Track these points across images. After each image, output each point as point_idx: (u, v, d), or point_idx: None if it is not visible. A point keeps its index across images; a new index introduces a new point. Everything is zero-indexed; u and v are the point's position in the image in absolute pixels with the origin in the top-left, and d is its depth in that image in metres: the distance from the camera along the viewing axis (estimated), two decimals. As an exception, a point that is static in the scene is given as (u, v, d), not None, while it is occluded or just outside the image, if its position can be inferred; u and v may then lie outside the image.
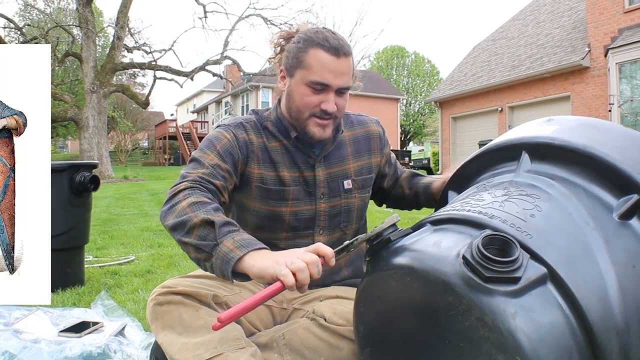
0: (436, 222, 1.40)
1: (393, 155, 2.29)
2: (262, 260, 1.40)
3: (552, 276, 1.14)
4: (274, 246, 1.94)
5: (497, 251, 1.13)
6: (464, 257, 1.14)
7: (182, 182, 1.71)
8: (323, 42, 1.81)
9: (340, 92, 1.85)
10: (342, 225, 2.03)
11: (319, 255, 1.40)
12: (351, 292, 1.89)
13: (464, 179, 1.71)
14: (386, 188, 2.26)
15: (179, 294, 1.74)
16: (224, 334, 1.65)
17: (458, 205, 1.43)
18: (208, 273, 1.93)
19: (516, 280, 1.10)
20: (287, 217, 1.95)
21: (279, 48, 2.02)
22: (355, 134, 2.11)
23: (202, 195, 1.64)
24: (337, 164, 2.02)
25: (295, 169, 1.96)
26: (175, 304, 1.72)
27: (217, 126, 1.97)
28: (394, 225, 1.43)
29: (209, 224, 1.51)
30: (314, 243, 1.74)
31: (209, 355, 1.60)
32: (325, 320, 1.77)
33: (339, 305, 1.83)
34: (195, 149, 2.01)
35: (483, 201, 1.37)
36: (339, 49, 1.80)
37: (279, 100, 2.01)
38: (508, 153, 1.55)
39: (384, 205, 2.37)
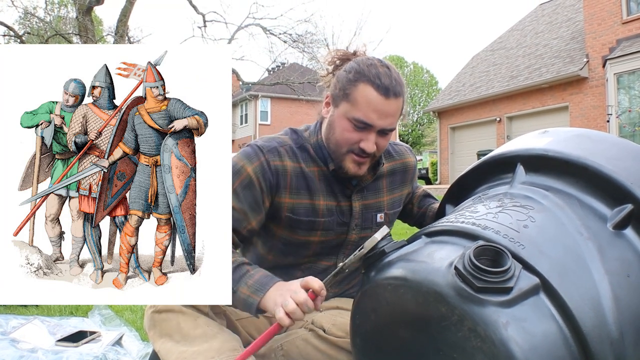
0: (430, 234, 1.40)
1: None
2: (269, 300, 1.57)
3: (545, 286, 1.15)
4: (295, 268, 1.95)
5: (489, 262, 1.14)
6: (456, 268, 1.14)
7: None
8: (374, 79, 1.71)
9: (384, 132, 1.77)
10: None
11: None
12: (351, 302, 1.89)
13: (460, 191, 1.72)
14: (415, 213, 2.25)
15: None
16: (222, 343, 1.65)
17: (452, 217, 1.44)
18: None
19: (508, 290, 1.10)
20: (314, 245, 1.92)
21: (332, 67, 1.90)
22: (393, 166, 2.04)
23: None
24: (372, 197, 1.97)
25: (332, 198, 1.90)
26: (174, 313, 1.71)
27: (248, 145, 1.88)
28: (388, 237, 1.44)
29: None
30: (335, 267, 1.74)
31: None
32: (324, 331, 1.77)
33: (339, 316, 1.83)
34: None
35: (477, 213, 1.38)
36: (389, 90, 1.70)
37: (320, 124, 1.93)
38: (503, 165, 1.56)
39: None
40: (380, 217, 1.98)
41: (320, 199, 1.88)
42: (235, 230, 1.76)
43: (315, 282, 1.52)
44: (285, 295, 1.53)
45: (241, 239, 1.82)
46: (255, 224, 1.83)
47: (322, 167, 1.89)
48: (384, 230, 1.45)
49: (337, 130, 1.79)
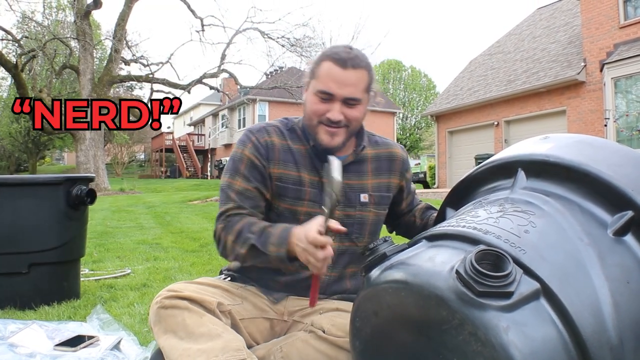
0: (432, 238, 1.40)
1: (413, 186, 2.34)
2: (295, 251, 1.72)
3: (545, 291, 1.15)
4: None
5: (490, 266, 1.14)
6: (457, 272, 1.14)
7: (218, 225, 1.96)
8: (333, 55, 1.89)
9: (348, 103, 1.91)
10: (353, 237, 2.04)
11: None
12: (351, 305, 1.90)
13: (461, 195, 1.72)
14: (399, 215, 2.28)
15: (184, 299, 1.76)
16: (227, 343, 1.66)
17: (454, 221, 1.44)
18: (213, 281, 1.99)
19: (509, 295, 1.10)
20: (301, 217, 1.97)
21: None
22: (378, 153, 2.15)
23: (233, 225, 1.91)
24: (356, 178, 2.07)
25: (315, 173, 2.01)
26: (180, 309, 1.74)
27: (243, 134, 2.09)
28: (389, 240, 1.44)
29: (252, 248, 1.83)
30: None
31: None
32: (323, 332, 1.79)
33: (338, 317, 1.85)
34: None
35: (478, 217, 1.38)
36: (346, 61, 1.87)
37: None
38: (504, 170, 1.56)
39: (394, 232, 2.38)
40: (364, 197, 2.06)
41: (306, 173, 2.02)
42: (257, 207, 1.97)
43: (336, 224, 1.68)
44: (309, 248, 1.65)
45: (262, 212, 2.01)
46: (269, 195, 2.01)
47: (306, 146, 2.03)
48: (338, 165, 1.64)
49: (307, 106, 1.98)
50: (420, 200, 2.35)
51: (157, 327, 1.77)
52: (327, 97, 1.90)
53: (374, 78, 1.99)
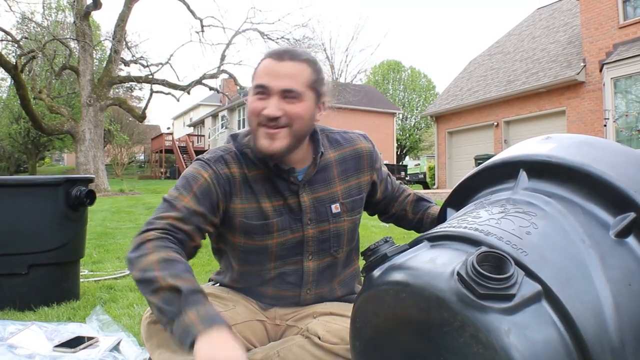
0: (433, 239, 1.40)
1: (385, 169, 2.22)
2: (211, 347, 1.38)
3: (547, 293, 1.14)
4: (263, 278, 1.96)
5: (492, 268, 1.13)
6: (458, 274, 1.14)
7: (150, 230, 1.69)
8: (270, 52, 1.85)
9: (286, 96, 1.76)
10: (332, 250, 1.98)
11: None
12: (345, 308, 1.90)
13: (462, 196, 1.71)
14: (377, 203, 2.22)
15: None
16: None
17: (455, 222, 1.44)
18: (204, 285, 1.95)
19: (510, 297, 1.10)
20: (274, 248, 1.91)
21: None
22: (342, 154, 2.03)
23: (170, 249, 1.62)
24: (323, 188, 1.96)
25: (278, 198, 1.90)
26: None
27: (197, 159, 1.92)
28: (389, 241, 1.44)
29: (176, 291, 1.49)
30: (302, 269, 1.92)
31: None
32: (319, 338, 1.77)
33: (333, 323, 1.83)
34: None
35: (480, 218, 1.37)
36: (282, 54, 1.80)
37: None
38: (506, 171, 1.55)
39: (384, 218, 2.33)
40: (335, 207, 1.96)
41: (266, 201, 1.89)
42: (198, 231, 1.77)
43: None
44: (223, 354, 1.38)
45: (202, 238, 1.82)
46: (211, 228, 1.84)
47: (262, 170, 1.89)
48: None
49: (247, 108, 1.84)
50: (403, 186, 2.28)
51: (150, 343, 1.76)
52: (262, 91, 1.77)
53: (321, 75, 1.85)
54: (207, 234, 1.90)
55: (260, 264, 1.94)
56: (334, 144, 2.04)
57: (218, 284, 2.07)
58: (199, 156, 1.92)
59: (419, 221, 2.19)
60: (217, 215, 1.84)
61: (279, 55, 1.79)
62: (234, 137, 1.98)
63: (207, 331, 1.40)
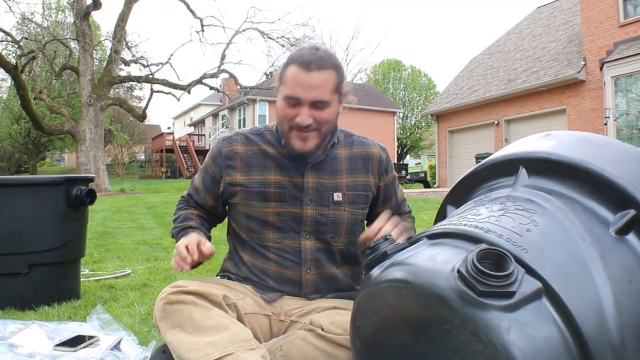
0: (432, 237, 1.40)
1: (401, 195, 2.28)
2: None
3: (547, 291, 1.14)
4: (265, 249, 2.07)
5: (492, 265, 1.13)
6: (458, 271, 1.14)
7: (178, 202, 2.33)
8: (297, 59, 1.89)
9: (317, 105, 1.90)
10: (328, 236, 2.06)
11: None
12: (348, 303, 1.91)
13: (462, 193, 1.70)
14: (371, 220, 2.19)
15: (190, 294, 1.78)
16: (234, 334, 1.67)
17: (455, 219, 1.43)
18: (214, 279, 2.09)
19: (511, 294, 1.10)
20: (270, 217, 2.05)
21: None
22: (352, 153, 2.15)
23: (182, 208, 2.27)
24: (329, 177, 2.08)
25: (285, 174, 2.06)
26: (186, 304, 1.75)
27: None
28: (389, 239, 1.44)
29: (173, 237, 2.15)
30: (300, 246, 2.03)
31: (219, 355, 1.61)
32: (322, 329, 1.79)
33: (337, 315, 1.86)
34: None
35: (480, 215, 1.37)
36: (310, 63, 1.86)
37: None
38: (506, 168, 1.55)
39: None
40: (337, 195, 2.07)
41: (272, 174, 2.07)
42: (200, 205, 2.26)
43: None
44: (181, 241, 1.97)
45: (209, 210, 2.27)
46: (212, 202, 2.22)
47: (278, 149, 2.09)
48: None
49: (278, 111, 1.98)
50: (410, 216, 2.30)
51: (164, 323, 1.78)
52: (294, 102, 1.89)
53: (343, 77, 1.98)
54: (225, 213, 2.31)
55: (262, 233, 2.07)
56: (348, 144, 2.17)
57: (226, 278, 2.13)
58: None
59: None
60: (216, 187, 2.17)
61: (307, 66, 1.85)
62: (264, 125, 2.22)
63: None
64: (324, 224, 2.05)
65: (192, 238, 1.95)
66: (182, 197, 2.32)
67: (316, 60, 1.87)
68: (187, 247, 1.89)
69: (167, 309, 1.78)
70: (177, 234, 2.09)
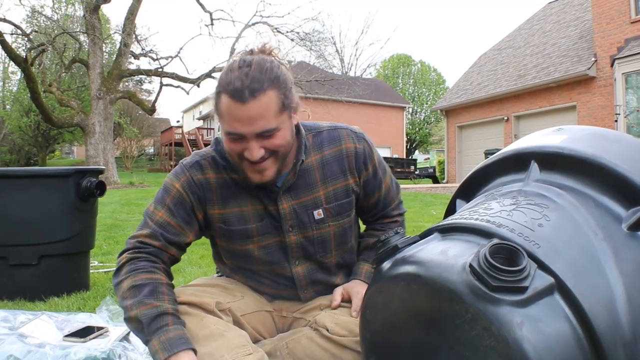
0: (444, 230, 1.39)
1: (387, 186, 2.06)
2: None
3: (560, 286, 1.14)
4: (257, 274, 1.97)
5: (505, 260, 1.13)
6: (471, 266, 1.13)
7: (124, 253, 1.80)
8: (228, 87, 1.61)
9: (264, 135, 1.64)
10: (318, 256, 1.94)
11: None
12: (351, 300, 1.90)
13: (472, 187, 1.70)
14: (360, 216, 2.14)
15: (183, 304, 1.74)
16: (230, 341, 1.65)
17: (466, 213, 1.43)
18: (211, 280, 1.97)
19: (523, 289, 1.09)
20: (255, 252, 1.90)
21: None
22: (323, 157, 1.92)
23: (139, 271, 1.72)
24: (305, 193, 1.89)
25: (258, 203, 1.86)
26: (180, 314, 1.70)
27: (179, 164, 1.92)
28: (400, 232, 1.44)
29: (140, 322, 1.63)
30: (292, 274, 1.92)
31: None
32: (327, 330, 1.77)
33: (341, 314, 1.83)
34: None
35: (491, 210, 1.36)
36: (243, 92, 1.58)
37: None
38: (517, 162, 1.54)
39: None
40: (317, 213, 1.89)
41: (248, 205, 1.86)
42: (176, 244, 1.83)
43: None
44: None
45: (182, 250, 1.88)
46: (192, 237, 1.88)
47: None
48: None
49: (224, 145, 1.76)
50: (394, 216, 2.13)
51: None
52: (237, 137, 1.64)
53: (287, 89, 1.68)
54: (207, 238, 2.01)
55: (249, 265, 1.95)
56: (317, 146, 1.92)
57: (225, 276, 2.08)
58: (182, 160, 1.92)
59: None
60: (194, 221, 1.86)
61: (240, 96, 1.58)
62: (217, 141, 1.91)
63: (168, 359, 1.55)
64: (310, 245, 1.91)
65: None
66: (135, 242, 1.80)
67: (249, 85, 1.58)
68: None
69: None
70: (152, 333, 1.61)
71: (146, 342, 1.62)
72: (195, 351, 1.59)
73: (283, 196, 1.86)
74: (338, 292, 1.93)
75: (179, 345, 1.56)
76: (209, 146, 1.94)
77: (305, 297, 1.98)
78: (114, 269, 1.79)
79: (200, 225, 1.88)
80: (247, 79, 1.59)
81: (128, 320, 1.67)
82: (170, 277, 1.81)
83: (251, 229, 1.87)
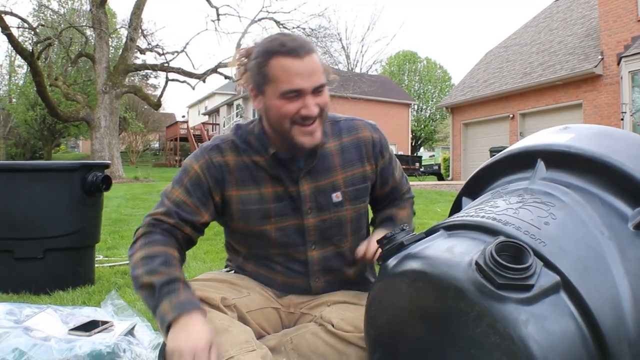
0: (450, 228, 1.39)
1: (399, 176, 2.15)
2: (178, 337, 1.53)
3: (565, 284, 1.14)
4: (270, 260, 1.97)
5: (511, 258, 1.13)
6: (477, 263, 1.13)
7: (140, 228, 1.84)
8: (281, 49, 1.71)
9: (317, 91, 1.74)
10: (335, 240, 1.96)
11: None
12: (359, 297, 1.90)
13: (478, 185, 1.70)
14: (373, 206, 2.17)
15: None
16: (234, 337, 1.64)
17: (472, 211, 1.43)
18: (218, 275, 1.96)
19: (529, 287, 1.09)
20: (272, 234, 1.91)
21: (243, 68, 1.90)
22: (342, 143, 1.98)
23: (153, 244, 1.75)
24: (324, 176, 1.92)
25: (279, 184, 1.89)
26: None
27: (199, 147, 1.95)
28: (406, 229, 1.44)
29: (151, 287, 1.64)
30: (307, 258, 1.92)
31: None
32: (332, 326, 1.77)
33: (347, 311, 1.83)
34: None
35: (497, 208, 1.37)
36: (299, 50, 1.70)
37: (261, 115, 1.92)
38: (524, 160, 1.54)
39: None
40: (336, 196, 1.93)
41: (268, 187, 1.89)
42: (190, 223, 1.84)
43: None
44: (187, 345, 1.51)
45: (197, 231, 1.89)
46: (208, 217, 1.89)
47: (265, 156, 1.88)
48: None
49: (273, 112, 1.78)
50: (404, 200, 2.18)
51: None
52: (295, 94, 1.72)
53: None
54: (221, 225, 2.02)
55: (263, 249, 1.95)
56: (336, 134, 1.99)
57: (233, 271, 2.08)
58: (202, 143, 1.94)
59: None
60: (210, 202, 1.88)
61: (297, 53, 1.70)
62: (238, 126, 1.98)
63: (177, 319, 1.55)
64: (328, 229, 1.93)
65: (198, 340, 1.53)
66: (150, 220, 1.84)
67: (301, 44, 1.73)
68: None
69: None
70: (162, 297, 1.62)
71: (155, 308, 1.61)
72: (205, 314, 1.61)
73: (304, 178, 1.90)
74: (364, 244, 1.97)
75: (190, 306, 1.58)
76: (229, 131, 1.99)
77: (315, 286, 1.97)
78: (132, 241, 1.83)
79: (217, 207, 1.90)
80: (298, 40, 1.75)
81: (139, 287, 1.68)
82: (183, 257, 1.84)
83: (269, 209, 1.89)
